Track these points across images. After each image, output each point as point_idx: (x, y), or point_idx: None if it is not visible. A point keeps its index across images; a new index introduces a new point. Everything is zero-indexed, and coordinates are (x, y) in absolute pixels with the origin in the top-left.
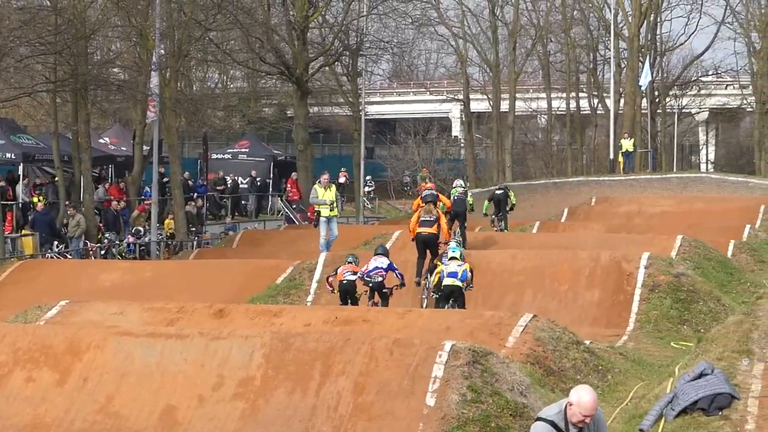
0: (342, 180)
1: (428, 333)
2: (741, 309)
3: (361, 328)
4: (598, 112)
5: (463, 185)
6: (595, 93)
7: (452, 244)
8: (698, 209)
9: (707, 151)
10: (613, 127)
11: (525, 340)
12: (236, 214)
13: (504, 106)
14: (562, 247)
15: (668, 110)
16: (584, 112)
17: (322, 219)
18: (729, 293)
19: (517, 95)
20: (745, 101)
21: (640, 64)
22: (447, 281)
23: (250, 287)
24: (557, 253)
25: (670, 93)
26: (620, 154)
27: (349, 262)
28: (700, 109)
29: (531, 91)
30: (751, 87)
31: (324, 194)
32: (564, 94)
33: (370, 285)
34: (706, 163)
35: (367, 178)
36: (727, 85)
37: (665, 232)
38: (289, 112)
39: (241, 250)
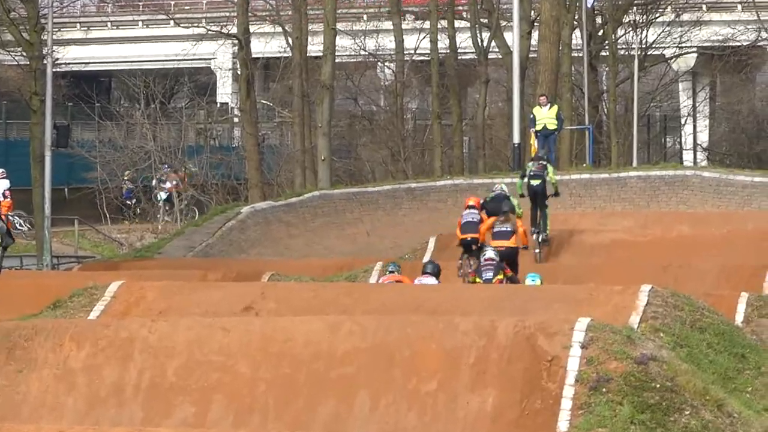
0: (170, 185)
1: None
2: (763, 423)
3: None
4: (491, 56)
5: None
6: (485, 21)
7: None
8: (680, 236)
9: (695, 127)
10: (518, 84)
11: None
12: None
13: (315, 47)
14: (426, 310)
15: (622, 53)
16: (465, 57)
17: None
18: (739, 393)
19: (340, 26)
20: (764, 34)
21: None
22: None
23: None
24: (417, 321)
25: (625, 21)
26: (533, 135)
27: (390, 272)
28: (680, 49)
29: (365, 18)
30: None
31: None
32: (426, 24)
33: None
34: (694, 149)
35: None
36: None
37: (620, 279)
38: None
39: None
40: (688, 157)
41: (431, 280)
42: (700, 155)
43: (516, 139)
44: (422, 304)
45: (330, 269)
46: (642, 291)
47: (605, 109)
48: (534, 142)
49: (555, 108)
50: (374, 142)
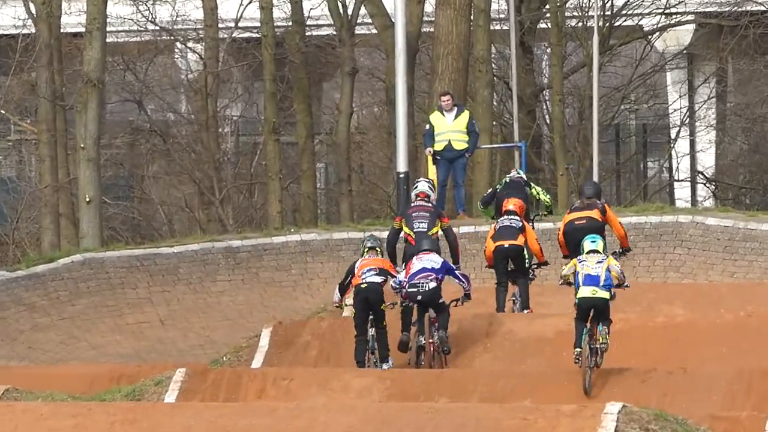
0: None
1: None
2: None
3: None
4: (360, 31)
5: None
6: None
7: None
8: (670, 323)
9: (693, 144)
10: (404, 76)
11: None
12: None
13: (73, 18)
14: None
15: (573, 24)
16: (318, 33)
17: None
18: None
19: None
20: None
21: None
22: (584, 291)
23: None
24: None
25: None
26: (429, 158)
27: (370, 248)
28: (668, 18)
29: None
30: None
31: None
32: None
33: (418, 298)
34: (693, 179)
35: None
36: None
37: (570, 393)
38: None
39: None
40: (682, 193)
41: (434, 257)
42: (703, 190)
43: (401, 166)
44: None
45: (101, 381)
46: (608, 413)
47: (546, 116)
48: (433, 170)
49: (465, 115)
50: (172, 173)
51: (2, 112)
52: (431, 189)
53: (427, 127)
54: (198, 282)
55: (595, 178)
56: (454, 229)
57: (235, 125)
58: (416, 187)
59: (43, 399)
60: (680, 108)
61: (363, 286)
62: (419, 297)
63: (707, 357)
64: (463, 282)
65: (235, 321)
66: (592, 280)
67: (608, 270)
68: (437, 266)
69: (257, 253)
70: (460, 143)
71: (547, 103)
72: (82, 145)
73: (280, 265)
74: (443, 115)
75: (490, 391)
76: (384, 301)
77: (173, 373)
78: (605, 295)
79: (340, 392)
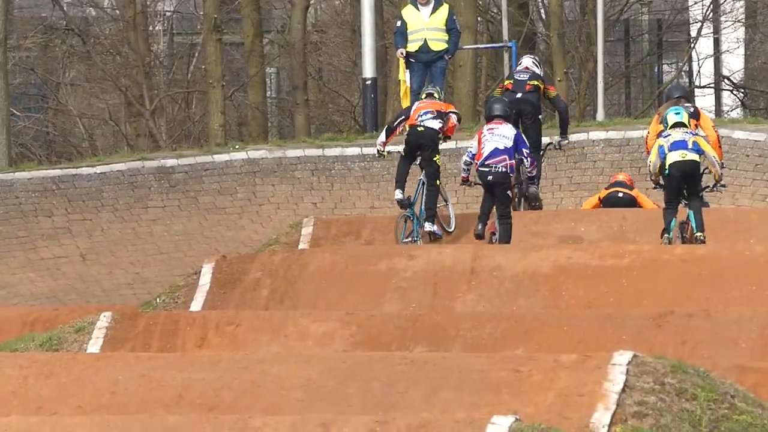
0: None
1: None
2: None
3: None
4: None
5: None
6: None
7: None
8: (688, 257)
9: (718, 44)
10: None
11: None
12: None
13: None
14: (197, 401)
15: None
16: None
17: None
18: None
19: None
20: None
21: None
22: (673, 156)
23: None
24: (179, 427)
25: None
26: (401, 62)
27: (429, 94)
28: None
29: None
30: None
31: None
32: None
33: (489, 179)
34: (717, 85)
35: None
36: None
37: (570, 340)
38: None
39: None
40: (705, 102)
41: (507, 129)
42: (729, 98)
43: (368, 71)
44: (189, 389)
45: (11, 326)
46: (615, 363)
47: (542, 11)
48: (405, 76)
49: (444, 9)
50: (93, 80)
51: None
52: (536, 65)
53: (399, 23)
54: (125, 209)
55: (600, 84)
56: None
57: (169, 22)
58: (521, 63)
59: None
60: (702, 0)
61: (419, 129)
62: (489, 178)
63: (734, 297)
64: (527, 160)
65: (170, 255)
66: (679, 144)
67: (696, 143)
68: (509, 144)
69: (196, 174)
70: (439, 43)
71: None
72: None
73: (223, 188)
74: (417, 9)
75: (476, 338)
76: (439, 153)
77: (97, 318)
78: (695, 157)
79: (296, 340)
